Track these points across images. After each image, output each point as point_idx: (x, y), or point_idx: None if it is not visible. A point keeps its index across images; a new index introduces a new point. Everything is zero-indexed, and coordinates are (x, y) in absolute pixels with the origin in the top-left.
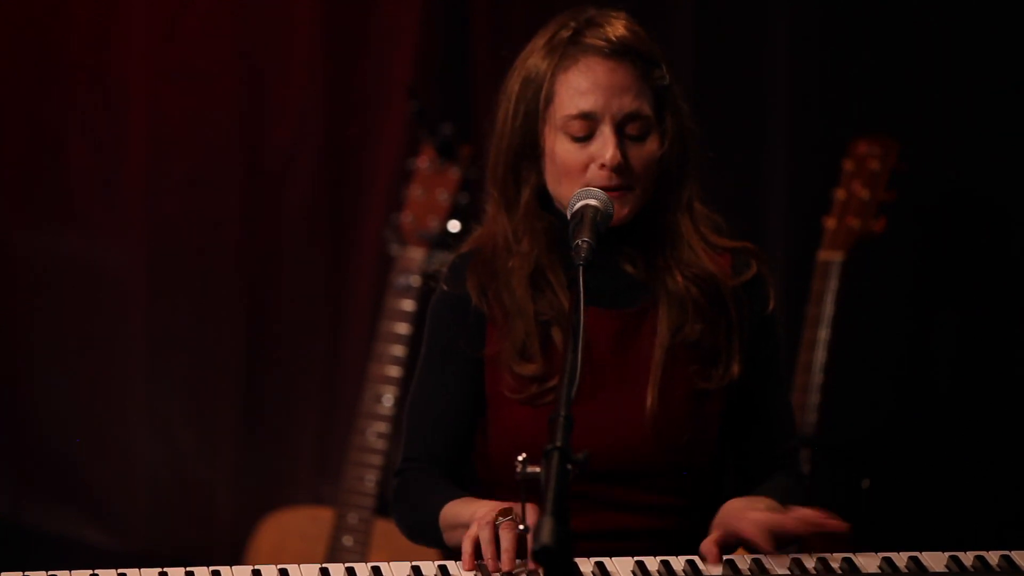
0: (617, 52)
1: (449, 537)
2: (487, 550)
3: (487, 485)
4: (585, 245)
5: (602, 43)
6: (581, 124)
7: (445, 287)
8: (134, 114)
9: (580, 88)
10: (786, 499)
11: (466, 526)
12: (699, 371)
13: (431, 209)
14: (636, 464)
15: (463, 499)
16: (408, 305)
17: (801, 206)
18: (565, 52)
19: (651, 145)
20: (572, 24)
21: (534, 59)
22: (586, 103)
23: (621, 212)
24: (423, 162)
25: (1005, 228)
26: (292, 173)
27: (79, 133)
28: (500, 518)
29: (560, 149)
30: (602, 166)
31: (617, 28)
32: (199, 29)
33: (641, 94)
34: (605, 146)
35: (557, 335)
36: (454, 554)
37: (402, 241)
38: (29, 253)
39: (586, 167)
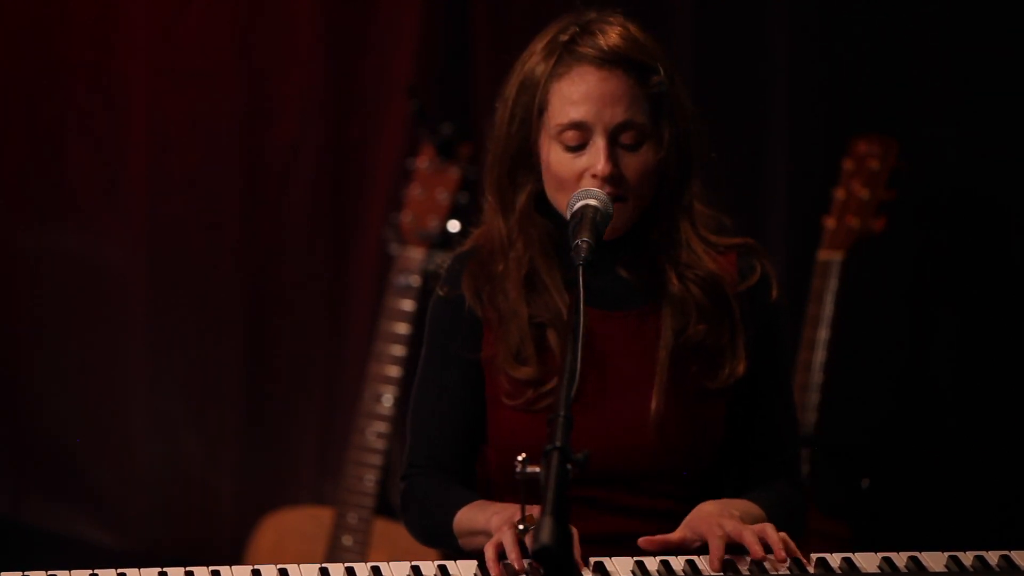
0: (609, 61)
1: (465, 543)
2: (512, 552)
3: (484, 485)
4: (585, 245)
5: (594, 52)
6: (574, 134)
7: (441, 291)
8: (134, 114)
9: (572, 98)
10: (777, 507)
11: (482, 533)
12: (704, 371)
13: (431, 209)
14: (639, 468)
15: (475, 504)
16: (408, 305)
17: (801, 205)
18: (560, 59)
19: (646, 154)
20: (570, 29)
21: (531, 63)
22: (577, 113)
23: (614, 224)
24: (423, 162)
25: (1005, 228)
26: (292, 173)
27: (79, 133)
28: (522, 524)
29: (555, 159)
30: (594, 176)
31: (611, 36)
32: (199, 29)
33: (635, 103)
34: (597, 157)
35: (552, 338)
36: (461, 555)
37: (402, 241)
38: (30, 253)
39: (580, 177)
